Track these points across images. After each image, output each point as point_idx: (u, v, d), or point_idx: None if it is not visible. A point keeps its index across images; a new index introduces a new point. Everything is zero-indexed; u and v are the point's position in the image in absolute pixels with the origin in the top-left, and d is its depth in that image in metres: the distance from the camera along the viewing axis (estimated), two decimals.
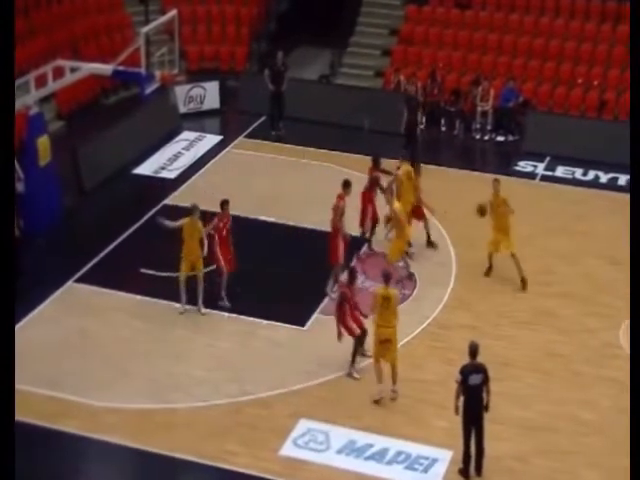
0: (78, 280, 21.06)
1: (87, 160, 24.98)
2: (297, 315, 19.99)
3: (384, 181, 22.03)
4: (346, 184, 20.78)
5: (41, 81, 23.53)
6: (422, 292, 20.93)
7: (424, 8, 32.08)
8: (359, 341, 18.06)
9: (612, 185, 25.95)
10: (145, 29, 25.49)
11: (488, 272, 21.31)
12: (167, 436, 16.68)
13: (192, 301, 19.86)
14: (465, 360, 15.56)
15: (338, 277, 20.30)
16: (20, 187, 22.43)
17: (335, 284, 20.19)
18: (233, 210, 20.19)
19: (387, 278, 17.59)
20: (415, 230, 22.16)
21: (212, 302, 20.04)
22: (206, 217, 20.27)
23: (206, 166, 26.59)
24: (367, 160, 22.87)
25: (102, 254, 22.04)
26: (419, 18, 32.02)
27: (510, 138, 28.67)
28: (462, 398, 15.49)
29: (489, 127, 28.81)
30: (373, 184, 22.03)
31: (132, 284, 20.86)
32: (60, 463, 16.25)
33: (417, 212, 22.07)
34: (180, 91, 29.60)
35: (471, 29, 31.32)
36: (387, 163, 22.64)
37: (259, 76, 29.33)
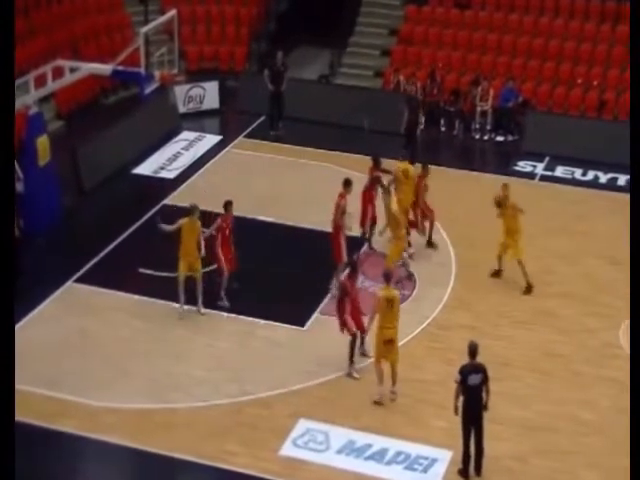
0: (78, 280, 21.06)
1: (87, 160, 24.97)
2: (297, 315, 19.98)
3: (385, 181, 22.01)
4: (347, 183, 20.81)
5: (41, 81, 23.53)
6: (422, 292, 20.93)
7: (424, 8, 32.10)
8: (354, 339, 18.04)
9: (612, 185, 25.96)
10: (145, 29, 25.48)
11: (496, 274, 21.23)
12: (167, 436, 16.67)
13: (191, 301, 19.85)
14: (464, 360, 15.56)
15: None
16: (20, 187, 22.43)
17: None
18: (232, 210, 20.19)
19: (387, 278, 17.60)
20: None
21: (211, 302, 20.04)
22: (205, 217, 20.28)
23: (205, 166, 26.59)
24: (367, 160, 22.87)
25: (102, 254, 22.04)
26: (419, 18, 32.03)
27: (509, 138, 28.68)
28: (461, 398, 15.49)
29: (488, 127, 28.81)
30: (373, 184, 22.03)
31: (132, 284, 20.86)
32: (59, 463, 16.25)
33: (424, 213, 22.09)
34: (180, 91, 29.60)
35: (470, 29, 31.33)
36: (387, 163, 22.62)
37: (259, 76, 29.33)
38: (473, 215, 23.82)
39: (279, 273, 21.38)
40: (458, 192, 24.71)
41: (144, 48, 24.77)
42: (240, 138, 28.28)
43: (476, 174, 26.58)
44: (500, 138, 28.73)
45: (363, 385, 17.88)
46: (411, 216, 22.05)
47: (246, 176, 25.75)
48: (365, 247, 22.29)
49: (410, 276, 21.32)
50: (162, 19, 27.22)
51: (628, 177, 23.87)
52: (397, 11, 32.57)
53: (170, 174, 26.09)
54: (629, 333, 15.61)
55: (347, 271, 18.99)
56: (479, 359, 15.52)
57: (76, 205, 24.31)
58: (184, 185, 25.44)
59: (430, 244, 22.47)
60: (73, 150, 24.88)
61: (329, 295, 20.37)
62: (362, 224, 22.11)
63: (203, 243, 19.63)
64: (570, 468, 16.23)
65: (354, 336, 18.01)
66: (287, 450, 16.43)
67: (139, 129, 26.99)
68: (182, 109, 29.64)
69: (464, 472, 15.84)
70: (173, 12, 26.60)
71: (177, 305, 19.79)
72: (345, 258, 20.48)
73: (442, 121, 29.13)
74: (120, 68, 24.60)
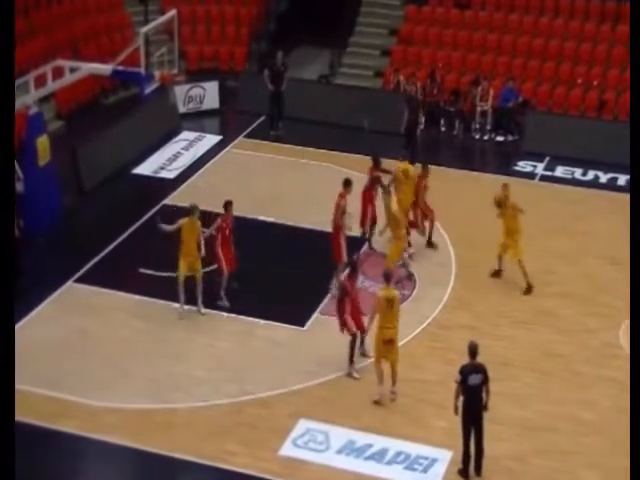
0: (78, 280, 21.06)
1: (87, 160, 24.97)
2: (297, 315, 19.98)
3: (385, 181, 22.01)
4: (347, 183, 20.81)
5: (41, 81, 23.53)
6: (422, 292, 20.93)
7: (423, 8, 32.09)
8: (354, 339, 18.04)
9: (612, 185, 25.96)
10: (144, 29, 25.48)
11: (496, 274, 21.21)
12: (167, 436, 16.67)
13: (191, 301, 19.85)
14: (465, 360, 15.56)
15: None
16: (19, 187, 22.43)
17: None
18: (232, 210, 20.19)
19: (388, 278, 17.60)
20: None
21: (212, 302, 20.04)
22: (205, 217, 20.28)
23: (205, 166, 26.59)
24: (366, 160, 22.87)
25: (102, 254, 22.04)
26: (418, 18, 32.03)
27: (509, 138, 28.68)
28: (462, 398, 15.50)
29: (488, 127, 28.81)
30: (373, 184, 22.03)
31: (132, 284, 20.86)
32: (60, 463, 16.26)
33: (424, 213, 22.09)
34: (179, 91, 29.60)
35: (470, 29, 31.33)
36: (387, 163, 22.61)
37: (259, 76, 29.33)
38: (473, 215, 23.82)
39: (279, 273, 21.38)
40: (458, 192, 24.71)
41: (144, 48, 24.77)
42: (240, 138, 28.28)
43: (476, 174, 26.59)
44: (500, 138, 28.73)
45: (363, 385, 17.89)
46: (411, 216, 22.06)
47: (246, 176, 25.76)
48: (365, 247, 22.28)
49: (410, 276, 21.33)
50: (162, 19, 27.22)
51: (628, 177, 23.88)
52: (397, 11, 32.57)
53: (170, 174, 26.09)
54: (629, 333, 15.61)
55: (347, 271, 18.98)
56: (479, 359, 15.52)
57: (76, 205, 24.32)
58: (184, 185, 25.44)
59: (430, 244, 22.47)
60: (73, 150, 24.88)
61: (329, 295, 20.38)
62: (362, 224, 22.12)
63: (203, 243, 19.64)
64: (570, 468, 16.24)
65: (354, 336, 18.02)
66: (287, 450, 16.43)
67: (139, 129, 26.99)
68: (182, 109, 29.64)
69: (464, 472, 15.84)
70: (173, 12, 26.60)
71: (177, 305, 19.80)
72: (345, 258, 20.49)
73: (442, 121, 29.13)
74: (120, 68, 24.60)
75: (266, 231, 23.11)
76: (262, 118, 28.84)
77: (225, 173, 26.19)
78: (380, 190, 21.87)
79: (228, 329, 19.63)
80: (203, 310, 19.87)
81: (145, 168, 26.32)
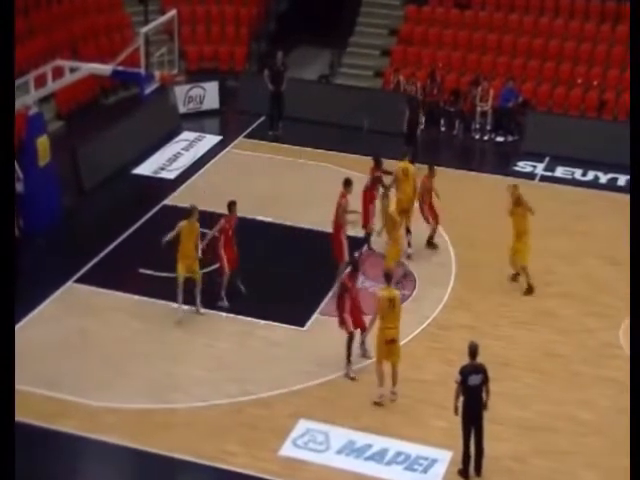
0: (78, 280, 21.06)
1: (87, 160, 24.97)
2: (297, 315, 19.98)
3: (386, 181, 22.02)
4: (347, 182, 20.82)
5: (40, 81, 23.53)
6: (422, 292, 20.93)
7: (423, 8, 32.10)
8: (351, 339, 18.02)
9: (612, 185, 25.97)
10: (144, 29, 25.47)
11: (514, 278, 21.11)
12: (166, 436, 16.67)
13: (190, 302, 19.83)
14: (465, 360, 15.56)
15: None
16: (19, 187, 22.43)
17: None
18: (236, 211, 20.19)
19: (388, 278, 17.61)
20: (416, 230, 22.16)
21: (211, 302, 20.03)
22: (205, 217, 20.28)
23: (206, 166, 26.60)
24: (366, 160, 22.88)
25: (102, 254, 22.04)
26: (418, 18, 32.03)
27: (509, 138, 28.68)
28: (462, 398, 15.49)
29: (488, 127, 28.82)
30: (374, 184, 22.00)
31: (132, 284, 20.86)
32: (59, 463, 16.25)
33: (432, 212, 22.07)
34: (180, 91, 29.61)
35: (470, 29, 31.33)
36: (387, 163, 22.60)
37: (259, 76, 29.33)
38: (473, 215, 23.83)
39: (279, 273, 21.38)
40: (458, 192, 24.69)
41: (144, 48, 24.77)
42: (240, 138, 28.29)
43: (476, 174, 26.60)
44: (500, 138, 28.73)
45: (363, 385, 17.88)
46: (425, 212, 22.03)
47: (246, 176, 25.75)
48: (365, 247, 22.26)
49: (407, 275, 21.26)
50: (162, 19, 27.22)
51: (628, 177, 23.87)
52: (397, 11, 32.57)
53: (170, 174, 26.09)
54: (629, 333, 15.61)
55: (348, 269, 18.97)
56: (479, 359, 15.52)
57: (76, 205, 24.32)
58: (184, 185, 25.44)
59: (430, 244, 22.44)
60: (73, 150, 24.88)
61: (331, 295, 20.31)
62: (365, 224, 22.02)
63: (205, 243, 19.62)
64: (569, 468, 16.23)
65: (351, 335, 18.00)
66: (287, 450, 16.43)
67: (139, 129, 26.99)
68: (182, 109, 29.64)
69: (464, 472, 15.84)
70: (173, 12, 26.60)
71: (175, 305, 19.72)
72: (347, 257, 20.49)
73: (442, 121, 29.14)
74: (120, 68, 24.59)
75: (266, 231, 23.11)
76: (262, 118, 28.85)
77: (225, 173, 26.19)
78: (381, 190, 21.85)
79: (228, 329, 19.63)
80: (202, 310, 19.86)
81: (145, 168, 26.32)
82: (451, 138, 28.97)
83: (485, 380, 15.48)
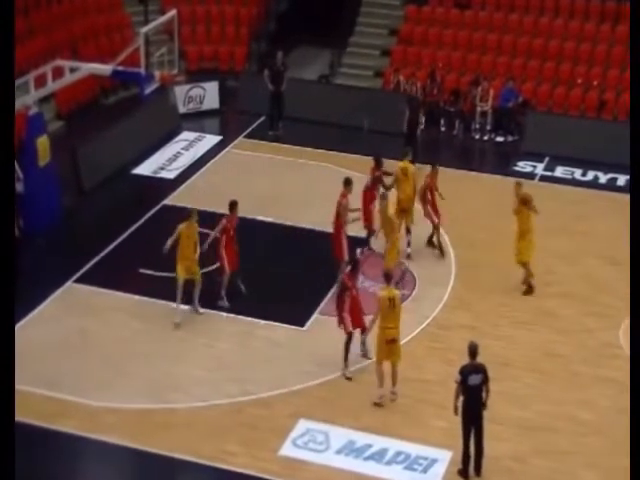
0: (78, 280, 21.06)
1: (87, 160, 24.98)
2: (297, 315, 19.98)
3: (387, 183, 22.02)
4: (347, 182, 20.83)
5: (40, 81, 23.53)
6: (422, 292, 20.93)
7: (423, 8, 32.10)
8: (350, 339, 18.02)
9: (611, 185, 25.97)
10: (144, 29, 25.49)
11: (528, 289, 21.11)
12: (166, 436, 16.67)
13: (190, 302, 19.84)
14: (465, 360, 15.57)
15: None
16: (19, 187, 22.43)
17: None
18: (237, 211, 20.19)
19: (388, 278, 17.61)
20: (417, 230, 22.17)
21: (211, 302, 20.03)
22: (205, 217, 20.28)
23: (206, 166, 26.60)
24: (366, 160, 22.88)
25: (102, 254, 22.04)
26: (418, 18, 32.03)
27: (509, 138, 28.68)
28: (461, 398, 15.50)
29: (488, 127, 28.83)
30: (375, 184, 21.99)
31: (132, 284, 20.87)
32: (59, 463, 16.25)
33: (435, 211, 22.05)
34: (179, 91, 29.61)
35: (470, 29, 31.34)
36: (387, 163, 22.60)
37: (259, 76, 29.34)
38: (473, 215, 23.83)
39: (279, 273, 21.39)
40: (458, 192, 24.68)
41: (144, 48, 24.78)
42: (240, 138, 28.29)
43: (476, 174, 26.61)
44: (500, 138, 28.73)
45: (363, 385, 17.88)
46: (428, 211, 22.00)
47: (246, 176, 25.76)
48: (365, 247, 22.26)
49: (404, 273, 21.21)
50: (162, 19, 27.23)
51: (628, 177, 23.88)
52: (397, 11, 32.58)
53: (170, 174, 26.10)
54: (629, 333, 15.61)
55: (348, 268, 18.96)
56: (479, 359, 15.52)
57: (76, 205, 24.32)
58: (184, 185, 25.44)
59: (431, 243, 22.41)
60: (73, 150, 24.89)
61: (332, 295, 20.31)
62: (367, 223, 21.96)
63: (207, 243, 19.62)
64: (569, 468, 16.23)
65: (349, 335, 18.00)
66: (287, 450, 16.43)
67: (139, 129, 26.99)
68: (182, 109, 29.64)
69: (464, 472, 15.84)
70: (173, 12, 26.61)
71: (174, 305, 19.68)
72: (346, 257, 20.49)
73: (442, 121, 29.14)
74: (120, 68, 24.60)
75: (266, 231, 23.11)
76: (262, 118, 28.85)
77: (225, 173, 26.19)
78: (381, 191, 21.83)
79: (228, 329, 19.63)
80: (201, 310, 19.86)
81: (145, 168, 26.32)
82: (451, 138, 28.97)
83: (485, 380, 15.48)
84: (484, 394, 15.54)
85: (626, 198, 18.98)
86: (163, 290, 20.24)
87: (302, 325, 19.79)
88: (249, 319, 19.85)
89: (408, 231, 22.02)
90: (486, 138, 28.78)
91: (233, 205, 20.06)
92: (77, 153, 24.87)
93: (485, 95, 28.74)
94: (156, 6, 32.25)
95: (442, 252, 22.08)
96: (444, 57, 30.84)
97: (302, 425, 16.94)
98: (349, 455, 16.35)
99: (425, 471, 16.08)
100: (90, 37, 30.63)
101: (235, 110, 30.04)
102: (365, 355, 18.47)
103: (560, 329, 19.84)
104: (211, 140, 28.15)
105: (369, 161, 22.65)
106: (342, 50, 32.26)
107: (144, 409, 17.33)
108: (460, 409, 15.53)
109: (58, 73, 24.27)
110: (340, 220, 20.61)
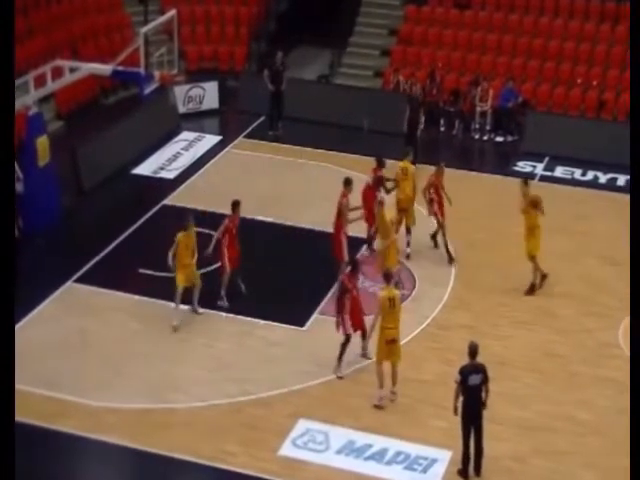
0: (77, 280, 21.06)
1: (86, 160, 24.98)
2: (296, 315, 19.98)
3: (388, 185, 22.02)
4: (347, 182, 20.83)
5: (40, 81, 23.53)
6: (422, 292, 20.94)
7: (423, 8, 32.10)
8: (347, 341, 18.00)
9: (611, 185, 25.97)
10: (144, 29, 25.48)
11: (543, 279, 21.01)
12: (166, 436, 16.67)
13: (189, 303, 19.83)
14: (464, 360, 15.57)
15: None
16: (19, 187, 22.43)
17: None
18: (240, 210, 20.19)
19: (388, 278, 17.60)
20: (417, 230, 22.16)
21: (211, 302, 20.03)
22: (205, 217, 20.28)
23: (205, 166, 26.60)
24: (366, 160, 22.88)
25: (101, 254, 22.04)
26: (418, 18, 32.03)
27: (509, 138, 28.68)
28: (461, 398, 15.50)
29: (488, 127, 28.83)
30: (376, 184, 21.96)
31: (131, 284, 20.87)
32: (59, 463, 16.25)
33: (441, 211, 22.00)
34: (179, 91, 29.61)
35: (470, 29, 31.34)
36: (387, 163, 22.58)
37: (258, 76, 29.35)
38: (473, 215, 23.82)
39: (279, 273, 21.39)
40: (458, 192, 24.61)
41: (144, 48, 24.77)
42: (240, 138, 28.29)
43: (476, 174, 26.61)
44: (500, 138, 28.73)
45: (363, 385, 17.88)
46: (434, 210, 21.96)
47: (246, 176, 25.76)
48: (365, 247, 22.26)
49: (400, 272, 21.15)
50: (162, 19, 27.24)
51: (628, 177, 23.89)
52: (397, 11, 32.58)
53: (170, 174, 26.09)
54: (629, 333, 15.61)
55: (348, 269, 18.95)
56: (478, 359, 15.52)
57: (76, 205, 24.32)
58: (184, 185, 25.44)
59: (434, 239, 22.32)
60: (73, 150, 24.89)
61: (332, 295, 20.30)
62: (370, 223, 21.88)
63: (212, 247, 19.64)
64: (569, 468, 16.24)
65: (348, 337, 17.99)
66: (286, 450, 16.43)
67: (139, 129, 26.99)
68: (182, 109, 29.65)
69: (464, 472, 15.85)
70: (173, 12, 26.62)
71: (173, 305, 19.66)
72: (346, 257, 20.50)
73: (442, 121, 29.14)
74: (120, 68, 24.60)
75: (266, 231, 23.11)
76: (262, 118, 28.85)
77: (225, 173, 26.19)
78: (379, 196, 21.75)
79: (227, 329, 19.63)
80: (200, 310, 19.86)
81: (145, 168, 26.32)
82: (451, 138, 28.97)
83: (485, 380, 15.49)
84: (484, 394, 15.55)
85: (626, 198, 18.98)
86: (163, 290, 20.22)
87: (302, 325, 19.79)
88: (249, 319, 19.86)
89: (408, 231, 22.02)
90: (486, 138, 28.79)
91: (235, 205, 20.07)
92: (77, 153, 24.87)
93: (485, 95, 28.75)
94: (156, 6, 32.26)
95: (451, 258, 21.95)
96: (444, 57, 30.84)
97: (302, 425, 16.94)
98: (349, 455, 16.35)
99: (425, 471, 16.08)
100: (90, 37, 30.63)
101: (235, 110, 30.05)
102: (365, 355, 18.47)
103: (559, 329, 19.84)
104: (211, 140, 28.15)
105: (369, 161, 22.65)
106: (342, 50, 32.26)
107: (144, 409, 17.33)
108: (460, 409, 15.54)
109: (58, 73, 24.27)
110: (340, 220, 20.63)
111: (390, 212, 21.12)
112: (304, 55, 33.18)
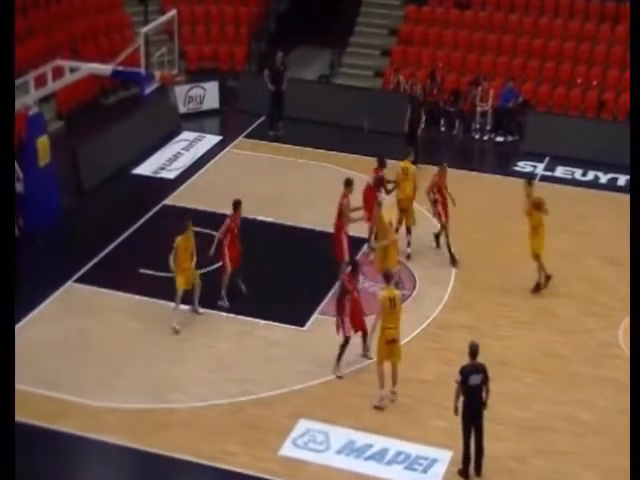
0: (78, 280, 21.06)
1: (86, 160, 24.98)
2: (297, 315, 19.98)
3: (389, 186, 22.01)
4: (348, 182, 20.83)
5: (40, 81, 23.53)
6: (422, 292, 20.93)
7: (423, 8, 32.10)
8: (347, 343, 17.99)
9: (612, 185, 25.97)
10: (144, 29, 25.48)
11: (547, 279, 21.00)
12: (166, 436, 16.67)
13: (190, 303, 19.83)
14: (464, 360, 15.57)
15: None
16: (19, 187, 22.43)
17: None
18: (241, 210, 20.19)
19: (387, 278, 17.60)
20: (417, 230, 22.16)
21: (211, 302, 20.03)
22: (205, 217, 20.28)
23: (206, 166, 26.60)
24: (366, 160, 22.88)
25: (102, 254, 22.04)
26: (418, 18, 32.03)
27: (509, 138, 28.68)
28: (462, 398, 15.50)
29: (488, 127, 28.83)
30: (377, 184, 21.95)
31: (132, 284, 20.87)
32: (59, 463, 16.25)
33: (445, 211, 21.97)
34: (180, 91, 29.61)
35: (470, 29, 31.34)
36: (387, 163, 22.57)
37: (259, 76, 29.35)
38: (473, 215, 23.81)
39: (279, 273, 21.39)
40: (458, 192, 24.62)
41: (144, 48, 24.77)
42: (240, 138, 28.29)
43: (476, 174, 26.60)
44: (500, 138, 28.73)
45: (363, 385, 17.88)
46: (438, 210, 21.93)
47: (246, 176, 25.76)
48: (365, 247, 22.26)
49: (406, 275, 21.18)
50: (162, 19, 27.23)
51: (628, 177, 23.88)
52: (397, 11, 32.58)
53: (170, 174, 26.10)
54: (629, 333, 15.61)
55: (348, 270, 18.95)
56: (479, 359, 15.52)
57: (76, 205, 24.32)
58: (184, 185, 25.44)
59: (437, 239, 22.31)
60: (73, 150, 24.89)
61: (332, 295, 20.29)
62: (370, 223, 21.85)
63: (214, 247, 19.64)
64: (569, 468, 16.24)
65: (347, 339, 17.97)
66: (287, 450, 16.43)
67: (139, 129, 27.00)
68: (182, 109, 29.65)
69: (464, 472, 15.84)
70: (173, 12, 26.61)
71: (173, 304, 19.65)
72: (347, 257, 20.50)
73: (442, 121, 29.14)
74: (120, 68, 24.59)
75: (266, 231, 23.10)
76: (262, 118, 28.85)
77: (225, 173, 26.19)
78: (379, 197, 21.74)
79: (228, 329, 19.63)
80: (200, 310, 19.86)
81: (145, 168, 26.32)
82: (451, 138, 28.97)
83: (485, 380, 15.49)
84: (484, 394, 15.55)
85: (626, 198, 18.98)
86: (163, 290, 20.21)
87: (302, 325, 19.79)
88: (249, 319, 19.86)
89: (408, 231, 22.01)
90: (486, 138, 28.79)
91: (237, 204, 20.08)
92: (77, 153, 24.87)
93: (485, 95, 28.74)
94: (156, 6, 32.25)
95: (454, 260, 21.91)
96: (444, 57, 30.83)
97: (302, 425, 16.94)
98: (349, 455, 16.35)
99: (425, 471, 16.08)
100: (90, 37, 30.62)
101: (235, 110, 30.05)
102: (366, 356, 18.47)
103: (560, 329, 19.84)
104: (211, 140, 28.15)
105: (369, 161, 22.65)
106: (342, 50, 32.26)
107: (144, 409, 17.33)
108: (460, 409, 15.53)
109: (58, 73, 24.26)
110: (341, 220, 20.63)
111: (390, 212, 21.12)
112: (304, 55, 33.18)
